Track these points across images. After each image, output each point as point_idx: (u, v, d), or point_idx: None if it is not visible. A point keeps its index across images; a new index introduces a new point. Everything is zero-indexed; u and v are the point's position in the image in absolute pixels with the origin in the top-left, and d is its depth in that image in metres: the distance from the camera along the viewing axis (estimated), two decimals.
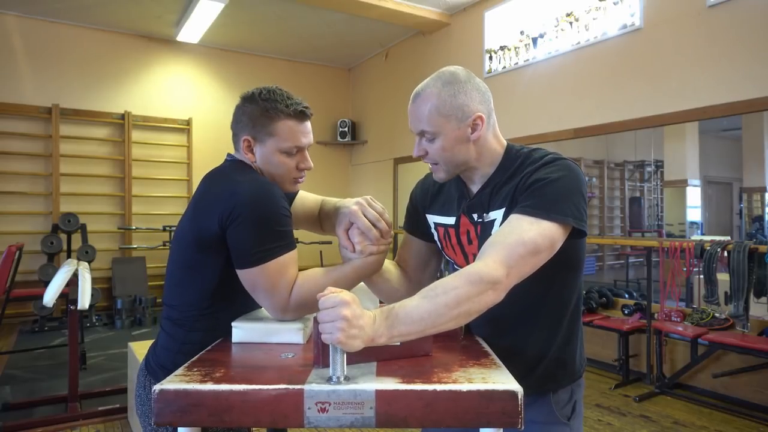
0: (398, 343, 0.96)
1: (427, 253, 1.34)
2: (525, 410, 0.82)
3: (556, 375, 1.17)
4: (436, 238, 1.31)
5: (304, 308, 1.17)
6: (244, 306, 1.23)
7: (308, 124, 1.27)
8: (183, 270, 1.21)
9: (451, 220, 1.25)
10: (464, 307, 0.93)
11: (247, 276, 1.14)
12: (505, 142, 1.20)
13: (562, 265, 1.12)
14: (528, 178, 1.09)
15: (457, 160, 1.15)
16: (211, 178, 1.23)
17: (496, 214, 1.15)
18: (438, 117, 1.11)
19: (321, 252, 3.12)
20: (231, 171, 1.21)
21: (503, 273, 0.96)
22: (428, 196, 1.32)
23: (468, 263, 1.23)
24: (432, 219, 1.30)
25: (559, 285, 1.17)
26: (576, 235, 1.08)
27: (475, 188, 1.21)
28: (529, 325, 1.18)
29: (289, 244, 1.16)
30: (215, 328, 1.20)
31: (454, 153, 1.13)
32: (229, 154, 1.31)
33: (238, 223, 1.11)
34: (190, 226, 1.19)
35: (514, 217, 1.05)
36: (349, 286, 1.20)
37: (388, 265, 1.32)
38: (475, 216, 1.19)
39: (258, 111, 1.22)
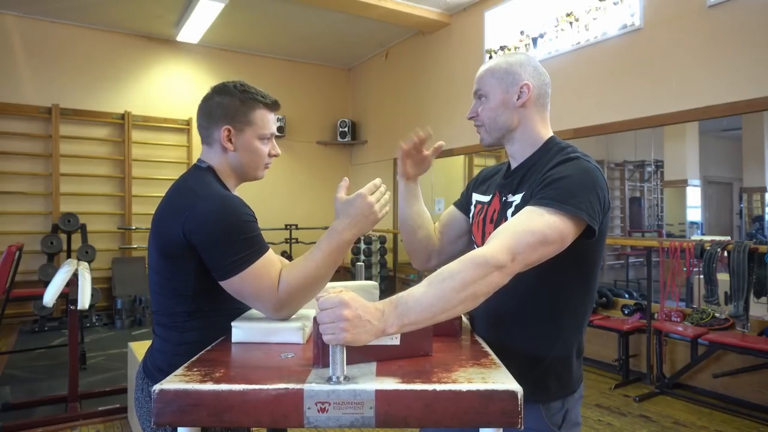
0: (398, 343, 0.96)
1: (461, 228, 1.41)
2: None
3: (548, 386, 1.15)
4: (471, 214, 1.36)
5: (297, 299, 1.17)
6: (234, 302, 1.22)
7: (274, 115, 1.36)
8: (159, 278, 1.23)
9: (487, 198, 1.31)
10: (470, 290, 0.93)
11: (230, 287, 1.16)
12: (551, 133, 1.26)
13: (568, 267, 1.12)
14: (547, 171, 1.12)
15: (499, 122, 1.23)
16: (174, 190, 1.25)
17: (517, 198, 1.19)
18: (491, 78, 1.23)
19: None
20: (194, 183, 1.23)
21: (508, 258, 0.96)
22: (480, 180, 1.41)
23: (483, 242, 1.24)
24: (475, 197, 1.37)
25: (563, 289, 1.16)
26: (588, 235, 1.07)
27: (514, 166, 1.27)
28: (527, 325, 1.17)
29: (261, 248, 1.17)
30: (208, 326, 1.20)
31: (497, 114, 1.23)
32: (199, 159, 1.32)
33: (205, 239, 1.13)
34: (155, 237, 1.21)
35: (526, 209, 1.06)
36: (334, 258, 1.20)
37: (429, 222, 1.43)
38: (503, 196, 1.25)
39: (236, 102, 1.28)
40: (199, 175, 1.26)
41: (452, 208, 1.45)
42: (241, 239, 1.14)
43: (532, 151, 1.23)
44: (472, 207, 1.37)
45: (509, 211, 1.19)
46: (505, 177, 1.28)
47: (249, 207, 1.21)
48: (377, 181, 1.24)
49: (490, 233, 1.21)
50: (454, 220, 1.42)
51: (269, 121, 1.32)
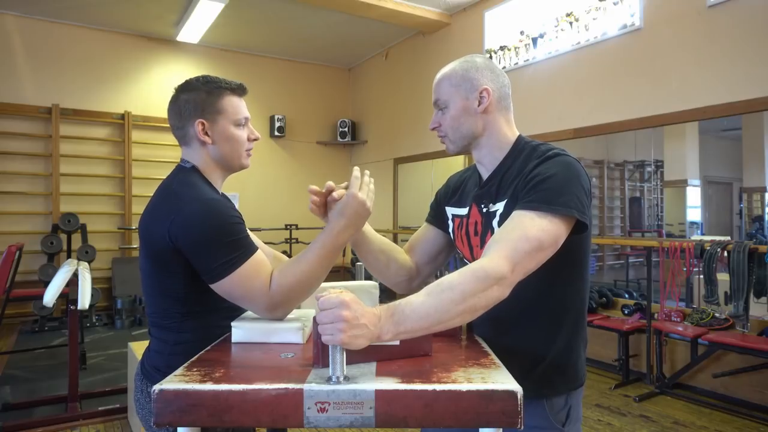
0: (397, 343, 0.96)
1: (439, 244, 1.38)
2: None
3: (553, 381, 1.15)
4: (450, 230, 1.33)
5: (289, 300, 1.17)
6: (227, 300, 1.21)
7: (243, 101, 1.33)
8: (150, 280, 1.22)
9: (464, 211, 1.29)
10: (470, 303, 0.93)
11: (220, 289, 1.15)
12: (517, 132, 1.24)
13: (563, 262, 1.11)
14: (529, 173, 1.11)
15: (463, 131, 1.21)
16: (159, 193, 1.24)
17: (499, 206, 1.17)
18: (449, 87, 1.21)
19: None
20: (179, 186, 1.21)
21: (508, 269, 0.96)
22: (450, 191, 1.37)
23: (472, 256, 1.25)
24: (450, 211, 1.34)
25: (560, 284, 1.17)
26: (578, 230, 1.08)
27: (486, 174, 1.25)
28: (528, 325, 1.17)
29: (249, 250, 1.16)
30: (204, 326, 1.20)
31: (461, 122, 1.20)
32: (182, 159, 1.31)
33: (192, 242, 1.13)
34: (143, 241, 1.21)
35: (516, 213, 1.06)
36: (329, 260, 1.19)
37: (395, 252, 1.35)
38: (482, 206, 1.23)
39: (202, 95, 1.26)
40: (184, 177, 1.25)
41: (426, 226, 1.41)
42: (228, 242, 1.13)
43: (502, 154, 1.22)
44: (450, 222, 1.34)
45: (495, 221, 1.17)
46: (481, 186, 1.25)
47: (236, 209, 1.20)
48: (356, 173, 1.17)
49: (476, 246, 1.22)
50: (428, 238, 1.38)
51: (239, 105, 1.30)
